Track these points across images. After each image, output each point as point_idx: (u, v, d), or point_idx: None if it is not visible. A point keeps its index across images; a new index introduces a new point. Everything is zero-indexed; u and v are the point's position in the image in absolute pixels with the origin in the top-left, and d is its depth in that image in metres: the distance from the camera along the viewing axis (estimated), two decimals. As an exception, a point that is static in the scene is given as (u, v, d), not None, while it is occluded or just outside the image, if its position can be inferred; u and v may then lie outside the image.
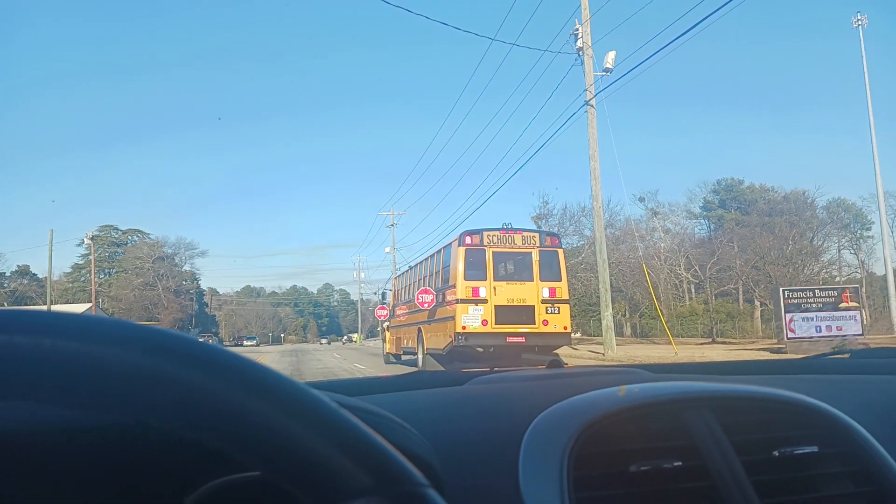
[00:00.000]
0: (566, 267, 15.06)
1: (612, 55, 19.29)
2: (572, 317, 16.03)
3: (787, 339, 19.32)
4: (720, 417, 0.87)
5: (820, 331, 19.18)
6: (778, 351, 20.47)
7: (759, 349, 24.32)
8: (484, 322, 13.70)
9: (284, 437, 0.44)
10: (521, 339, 13.73)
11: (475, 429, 0.88)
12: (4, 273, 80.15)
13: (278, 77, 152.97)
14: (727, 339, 38.36)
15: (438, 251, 16.27)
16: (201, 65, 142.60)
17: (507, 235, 14.37)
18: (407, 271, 20.77)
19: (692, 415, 0.86)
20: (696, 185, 68.79)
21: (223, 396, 0.43)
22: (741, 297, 48.15)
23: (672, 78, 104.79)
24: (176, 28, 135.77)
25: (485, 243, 14.18)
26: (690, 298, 51.02)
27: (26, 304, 69.08)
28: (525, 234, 14.66)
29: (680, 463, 0.81)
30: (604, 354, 19.18)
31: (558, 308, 14.10)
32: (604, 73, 19.42)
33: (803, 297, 19.64)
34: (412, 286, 18.31)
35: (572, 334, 17.75)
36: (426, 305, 15.76)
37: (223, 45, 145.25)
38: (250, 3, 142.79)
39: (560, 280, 14.31)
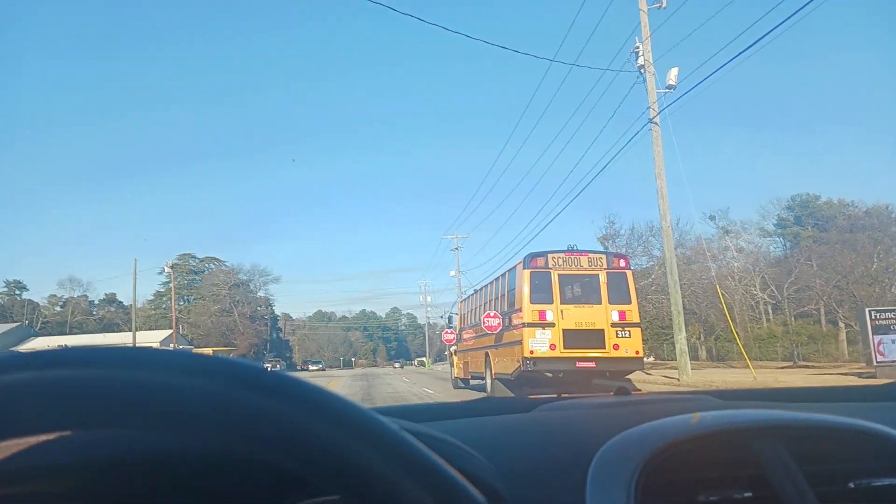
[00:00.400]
0: (636, 289, 14.72)
1: (674, 72, 18.93)
2: (644, 340, 15.56)
3: (876, 363, 18.23)
4: (793, 447, 0.86)
5: (913, 354, 18.03)
6: (866, 376, 19.34)
7: (843, 374, 23.04)
8: (552, 346, 13.47)
9: (354, 461, 0.48)
10: (592, 364, 13.40)
11: (542, 456, 0.89)
12: (94, 301, 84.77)
13: (347, 101, 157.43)
14: (810, 363, 36.51)
15: (503, 274, 16.17)
16: (275, 93, 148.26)
17: (572, 257, 14.16)
18: (472, 295, 20.72)
19: (763, 444, 0.85)
20: (769, 201, 66.37)
21: (301, 424, 0.47)
22: (823, 318, 45.82)
23: (737, 93, 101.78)
24: (246, 54, 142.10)
25: (550, 265, 14.00)
26: (768, 320, 48.90)
27: (114, 331, 72.90)
28: (591, 255, 14.41)
29: (750, 493, 0.80)
30: (678, 380, 18.53)
31: (629, 332, 13.72)
32: (667, 91, 19.07)
33: (893, 318, 18.51)
34: (478, 310, 18.26)
35: (645, 359, 17.27)
36: (493, 329, 15.65)
37: (295, 70, 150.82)
38: (315, 26, 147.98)
39: (630, 302, 13.94)
